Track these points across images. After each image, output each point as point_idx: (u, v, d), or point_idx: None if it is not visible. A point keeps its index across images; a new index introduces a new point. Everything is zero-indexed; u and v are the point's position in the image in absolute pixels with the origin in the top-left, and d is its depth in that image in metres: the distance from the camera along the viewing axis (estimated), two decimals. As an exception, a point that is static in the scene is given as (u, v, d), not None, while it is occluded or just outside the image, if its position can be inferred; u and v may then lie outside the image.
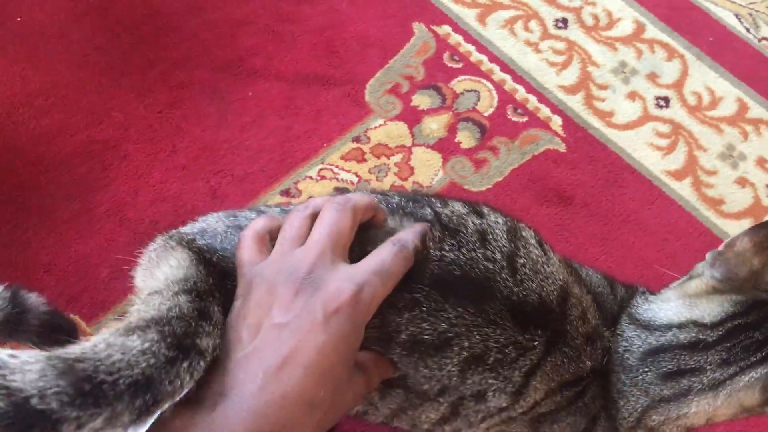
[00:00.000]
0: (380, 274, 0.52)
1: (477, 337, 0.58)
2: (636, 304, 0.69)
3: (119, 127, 1.19)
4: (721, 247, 0.65)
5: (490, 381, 0.60)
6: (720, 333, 0.62)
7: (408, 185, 1.21)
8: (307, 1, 1.36)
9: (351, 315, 0.50)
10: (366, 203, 0.57)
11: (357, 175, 1.21)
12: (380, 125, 1.26)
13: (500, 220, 0.65)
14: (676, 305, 0.66)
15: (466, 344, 0.58)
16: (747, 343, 0.61)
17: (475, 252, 0.60)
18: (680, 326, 0.64)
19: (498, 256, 0.61)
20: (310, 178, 1.20)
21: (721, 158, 1.31)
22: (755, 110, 1.36)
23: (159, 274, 0.57)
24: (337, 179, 1.20)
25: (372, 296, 0.51)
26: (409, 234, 0.57)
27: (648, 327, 0.66)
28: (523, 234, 0.65)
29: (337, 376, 0.50)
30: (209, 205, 1.14)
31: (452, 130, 1.28)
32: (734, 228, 1.25)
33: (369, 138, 1.25)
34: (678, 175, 1.28)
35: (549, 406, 0.64)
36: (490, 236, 0.62)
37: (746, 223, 1.25)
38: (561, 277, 0.64)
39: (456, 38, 1.36)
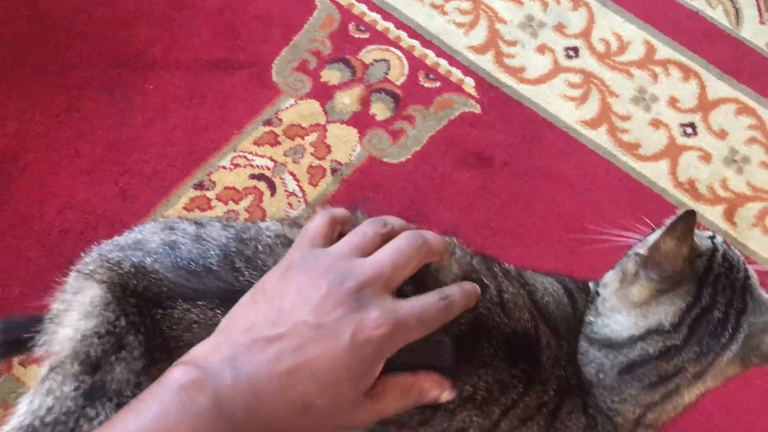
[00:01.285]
0: (420, 321, 0.52)
1: (473, 379, 0.59)
2: (589, 322, 0.69)
3: (14, 137, 1.13)
4: (643, 251, 0.64)
5: (474, 418, 0.61)
6: (684, 333, 0.64)
7: (326, 164, 1.19)
8: (202, -16, 1.31)
9: (379, 348, 0.50)
10: (439, 248, 0.56)
11: (272, 159, 1.18)
12: (291, 105, 1.23)
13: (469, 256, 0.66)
14: (630, 317, 0.67)
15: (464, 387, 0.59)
16: (711, 328, 0.64)
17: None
18: (643, 338, 0.65)
19: (494, 292, 0.62)
20: (224, 167, 1.16)
21: (633, 102, 1.32)
22: (663, 51, 1.37)
23: (65, 327, 0.55)
24: (252, 166, 1.17)
25: (404, 339, 0.51)
26: (457, 291, 0.56)
27: (611, 346, 0.67)
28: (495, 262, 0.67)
29: (343, 394, 0.50)
30: (120, 207, 1.10)
31: (366, 102, 1.25)
32: (653, 170, 1.26)
33: (281, 120, 1.22)
34: (593, 123, 1.29)
35: None
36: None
37: (664, 164, 1.27)
38: (527, 302, 0.65)
39: (360, 7, 1.33)
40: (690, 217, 0.60)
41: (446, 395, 0.55)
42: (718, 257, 0.66)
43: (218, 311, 0.55)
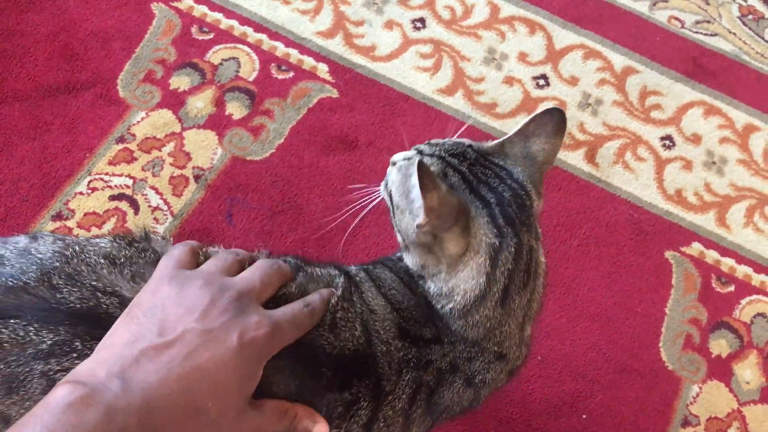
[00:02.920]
0: (292, 324, 0.58)
1: (323, 407, 0.61)
2: (440, 294, 0.70)
3: None
4: (421, 219, 0.65)
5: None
6: (508, 229, 0.68)
7: (188, 172, 1.17)
8: (30, 9, 1.25)
9: (261, 349, 0.54)
10: (290, 272, 0.64)
11: (131, 177, 1.15)
12: (143, 118, 1.20)
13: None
14: (470, 267, 0.68)
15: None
16: (515, 209, 0.69)
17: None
18: (493, 268, 0.67)
19: (328, 315, 0.64)
20: (81, 193, 1.12)
21: (485, 63, 1.35)
22: (506, 9, 1.41)
23: None
24: (110, 187, 1.13)
25: (280, 340, 0.56)
26: (317, 297, 0.62)
27: (478, 302, 0.68)
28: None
29: (231, 398, 0.53)
30: (-26, 253, 1.05)
31: (220, 103, 1.23)
32: (512, 126, 1.29)
33: (134, 135, 1.18)
34: (449, 90, 1.31)
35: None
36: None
37: (522, 118, 1.30)
38: (361, 311, 0.66)
39: (200, 9, 1.31)
40: (422, 166, 0.61)
41: (318, 428, 0.59)
42: (450, 161, 0.71)
43: (31, 329, 0.54)
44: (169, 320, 0.53)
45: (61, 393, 0.46)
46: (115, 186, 1.14)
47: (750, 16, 1.49)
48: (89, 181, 1.13)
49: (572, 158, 1.28)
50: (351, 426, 0.62)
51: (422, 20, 1.37)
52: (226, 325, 0.53)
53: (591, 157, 1.29)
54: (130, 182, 1.14)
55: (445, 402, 0.69)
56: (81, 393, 0.46)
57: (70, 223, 1.10)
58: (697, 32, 1.45)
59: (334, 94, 1.27)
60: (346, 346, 0.63)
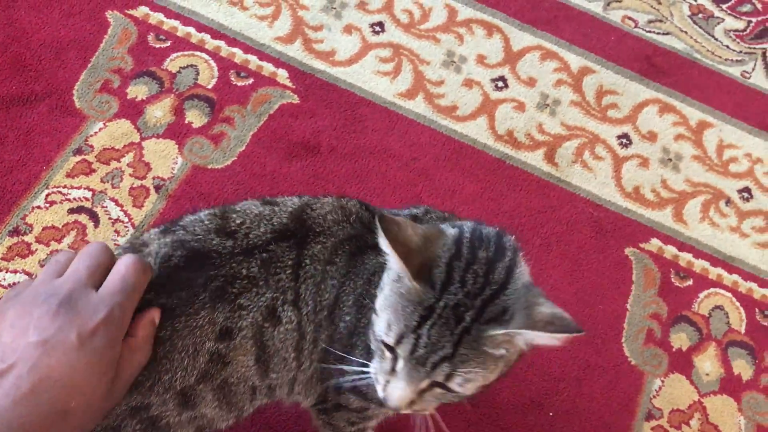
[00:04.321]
0: (124, 292, 0.60)
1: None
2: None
3: None
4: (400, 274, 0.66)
5: (267, 295, 0.68)
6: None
7: (148, 183, 1.15)
8: (-21, 19, 1.22)
9: (105, 333, 0.56)
10: (102, 248, 0.65)
11: (89, 189, 1.13)
12: (100, 129, 1.18)
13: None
14: None
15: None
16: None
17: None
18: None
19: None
20: (38, 207, 1.10)
21: (444, 66, 1.36)
22: (464, 12, 1.42)
23: None
24: (69, 200, 1.11)
25: (122, 313, 0.59)
26: (132, 257, 0.64)
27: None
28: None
29: (93, 387, 0.56)
30: (-72, 272, 1.02)
31: (179, 112, 1.22)
32: (472, 128, 1.31)
33: (92, 146, 1.16)
34: (409, 94, 1.32)
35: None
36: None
37: (482, 121, 1.32)
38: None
39: (156, 17, 1.29)
40: (383, 220, 0.62)
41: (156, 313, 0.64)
42: None
43: None
44: (5, 343, 0.55)
45: None
46: (74, 199, 1.12)
47: (700, 15, 1.53)
48: (47, 195, 1.11)
49: (532, 158, 1.30)
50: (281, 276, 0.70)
51: (381, 24, 1.37)
52: (62, 328, 0.55)
53: (550, 157, 1.31)
54: (89, 194, 1.12)
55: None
56: None
57: (28, 238, 1.08)
58: (650, 31, 1.48)
59: (295, 99, 1.27)
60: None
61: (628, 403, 1.12)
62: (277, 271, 0.70)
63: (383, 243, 0.62)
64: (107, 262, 0.63)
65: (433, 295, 0.62)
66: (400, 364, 0.63)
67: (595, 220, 1.26)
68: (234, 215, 0.73)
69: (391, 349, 0.64)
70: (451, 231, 0.67)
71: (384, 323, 0.64)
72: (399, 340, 0.63)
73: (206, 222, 0.72)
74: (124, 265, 0.62)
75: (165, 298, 0.66)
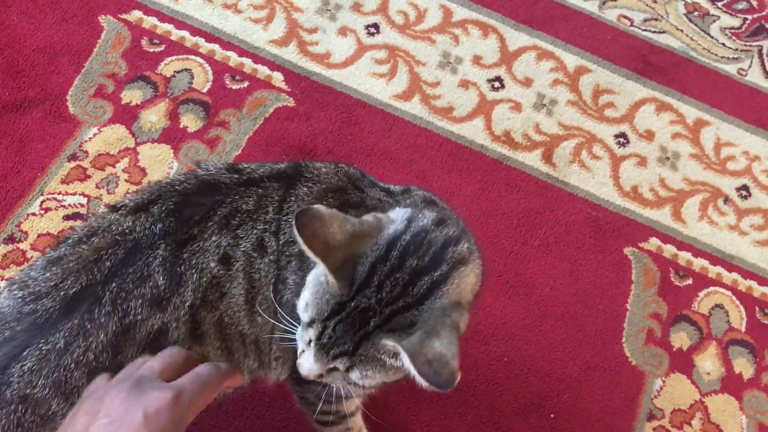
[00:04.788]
0: (196, 383, 0.61)
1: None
2: None
3: None
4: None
5: (258, 227, 0.73)
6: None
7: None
8: (-29, 25, 1.21)
9: (171, 415, 0.58)
10: (195, 356, 0.69)
11: (85, 195, 1.12)
12: (95, 134, 1.17)
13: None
14: None
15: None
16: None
17: None
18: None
19: None
20: (33, 214, 1.09)
21: (440, 68, 1.35)
22: (459, 12, 1.41)
23: None
24: (64, 206, 1.11)
25: (191, 400, 0.60)
26: (212, 368, 0.65)
27: None
28: None
29: None
30: None
31: (174, 116, 1.21)
32: (469, 129, 1.30)
33: (86, 152, 1.15)
34: (405, 95, 1.31)
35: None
36: None
37: (479, 121, 1.31)
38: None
39: (150, 21, 1.28)
40: (301, 216, 0.63)
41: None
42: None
43: None
44: (79, 429, 0.58)
45: None
46: (69, 205, 1.11)
47: (696, 13, 1.52)
48: (42, 201, 1.10)
49: (529, 159, 1.29)
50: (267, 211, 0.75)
51: (376, 26, 1.36)
52: (128, 409, 0.57)
53: (548, 157, 1.30)
54: (84, 200, 1.12)
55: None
56: None
57: (23, 246, 1.07)
58: (645, 30, 1.47)
59: (291, 102, 1.26)
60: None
61: (629, 403, 1.12)
62: (266, 204, 0.75)
63: (297, 239, 0.63)
64: (183, 361, 0.65)
65: (347, 294, 0.63)
66: (312, 343, 0.65)
67: (593, 220, 1.25)
68: (246, 165, 0.80)
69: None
70: (391, 229, 0.66)
71: (304, 300, 0.66)
72: (310, 323, 0.65)
73: (220, 164, 0.79)
74: (202, 366, 0.64)
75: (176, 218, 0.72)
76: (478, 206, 1.23)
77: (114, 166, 1.15)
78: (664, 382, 1.14)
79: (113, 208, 0.74)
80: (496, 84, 1.35)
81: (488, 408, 1.07)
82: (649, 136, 1.36)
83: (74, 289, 0.68)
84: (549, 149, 1.31)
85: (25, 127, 1.15)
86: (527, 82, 1.37)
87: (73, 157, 1.15)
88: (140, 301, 0.69)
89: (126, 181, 1.14)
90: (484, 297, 1.13)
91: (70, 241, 0.72)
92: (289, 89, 1.27)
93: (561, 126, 1.34)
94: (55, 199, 1.11)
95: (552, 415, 1.09)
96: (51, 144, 1.15)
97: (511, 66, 1.38)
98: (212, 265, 0.72)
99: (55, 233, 1.08)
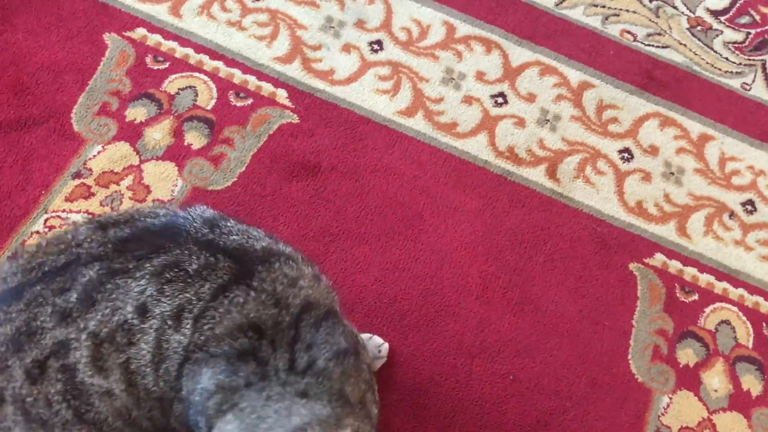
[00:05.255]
0: None
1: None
2: None
3: None
4: None
5: (183, 295, 0.70)
6: None
7: (148, 205, 1.14)
8: (-24, 43, 1.22)
9: None
10: None
11: (89, 213, 1.12)
12: (99, 152, 1.17)
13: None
14: None
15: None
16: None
17: None
18: None
19: None
20: (38, 233, 1.09)
21: (443, 84, 1.35)
22: (462, 29, 1.41)
23: None
24: (68, 224, 1.10)
25: None
26: None
27: None
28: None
29: None
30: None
31: (178, 134, 1.21)
32: (473, 145, 1.30)
33: (90, 169, 1.16)
34: (409, 111, 1.31)
35: None
36: None
37: (482, 137, 1.31)
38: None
39: (154, 38, 1.29)
40: None
41: None
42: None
43: None
44: None
45: None
46: (73, 223, 1.11)
47: (699, 27, 1.52)
48: (46, 219, 1.10)
49: (534, 174, 1.29)
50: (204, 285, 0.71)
51: (379, 42, 1.37)
52: None
53: (552, 173, 1.30)
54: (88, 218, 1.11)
55: None
56: None
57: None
58: (649, 45, 1.48)
59: (295, 119, 1.27)
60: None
61: (636, 421, 1.11)
62: (207, 277, 0.71)
63: None
64: None
65: None
66: None
67: (598, 236, 1.25)
68: (231, 223, 0.77)
69: None
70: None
71: None
72: None
73: (208, 213, 0.77)
74: None
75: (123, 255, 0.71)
76: (482, 222, 1.22)
77: (118, 184, 1.15)
78: (671, 399, 1.13)
79: (89, 220, 0.77)
80: (500, 100, 1.35)
81: (494, 426, 1.06)
82: (653, 151, 1.36)
83: (13, 284, 0.71)
84: (553, 165, 1.31)
85: (30, 144, 1.16)
86: (530, 98, 1.37)
87: (77, 175, 1.15)
88: (50, 309, 0.69)
89: (130, 198, 1.14)
90: (489, 314, 1.13)
91: (43, 242, 0.75)
92: (293, 106, 1.28)
93: (565, 141, 1.34)
94: (59, 216, 1.11)
95: (558, 433, 1.08)
96: (55, 162, 1.15)
97: (515, 82, 1.38)
98: (129, 309, 0.70)
99: (59, 251, 1.08)
